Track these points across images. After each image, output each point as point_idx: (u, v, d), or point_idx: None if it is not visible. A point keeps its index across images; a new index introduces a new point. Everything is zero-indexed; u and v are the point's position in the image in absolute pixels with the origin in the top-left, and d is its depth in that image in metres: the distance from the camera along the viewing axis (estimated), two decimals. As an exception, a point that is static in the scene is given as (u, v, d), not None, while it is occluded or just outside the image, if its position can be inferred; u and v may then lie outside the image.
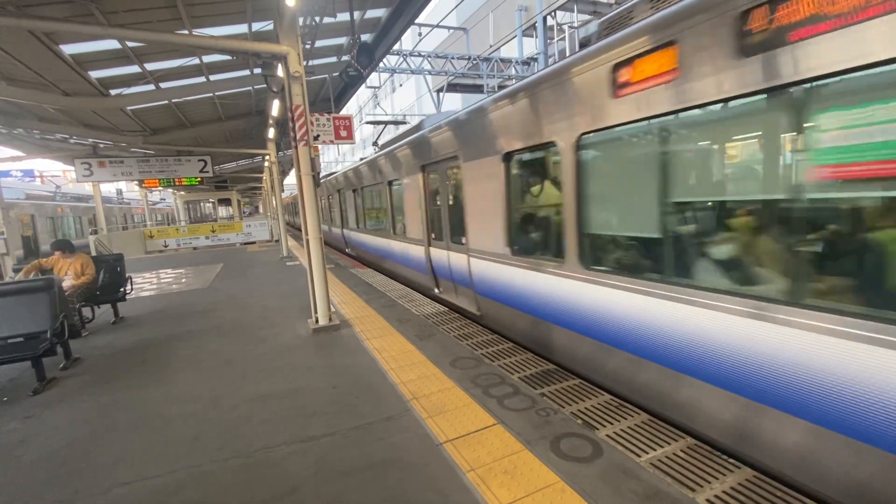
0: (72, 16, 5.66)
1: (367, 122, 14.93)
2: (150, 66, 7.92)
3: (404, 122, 15.77)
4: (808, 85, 2.05)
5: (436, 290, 7.03)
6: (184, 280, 10.69)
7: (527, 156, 4.49)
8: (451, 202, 6.19)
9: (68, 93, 8.26)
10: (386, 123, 13.59)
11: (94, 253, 13.13)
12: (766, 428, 2.35)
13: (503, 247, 4.76)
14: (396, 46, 11.77)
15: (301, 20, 6.10)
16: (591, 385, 3.69)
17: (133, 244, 18.27)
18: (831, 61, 1.91)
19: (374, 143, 12.45)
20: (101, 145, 13.14)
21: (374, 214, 10.61)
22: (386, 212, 9.28)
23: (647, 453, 2.67)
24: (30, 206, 18.91)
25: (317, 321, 5.57)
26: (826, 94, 2.03)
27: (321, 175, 15.43)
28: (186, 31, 6.52)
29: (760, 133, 2.43)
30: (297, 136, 5.26)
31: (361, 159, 11.80)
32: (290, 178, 38.67)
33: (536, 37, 15.63)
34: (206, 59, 7.96)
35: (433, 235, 6.86)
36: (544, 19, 14.81)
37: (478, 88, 18.04)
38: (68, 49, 6.80)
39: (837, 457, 2.04)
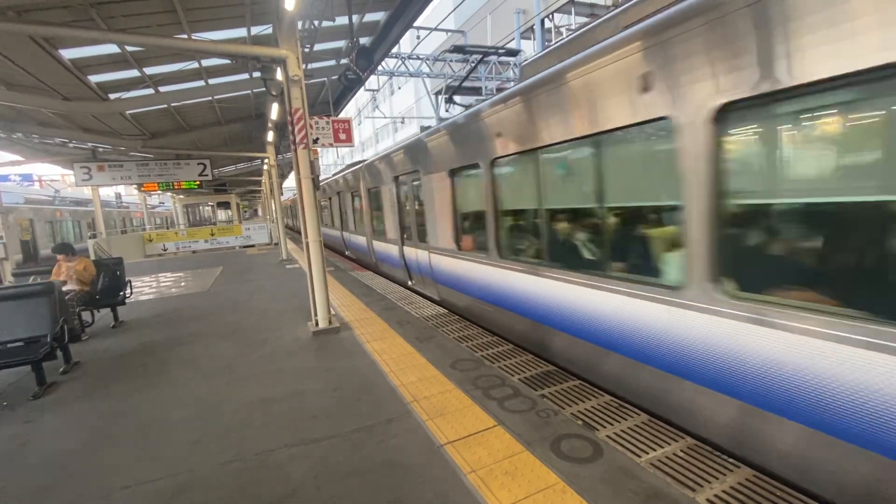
0: (71, 20, 5.69)
1: (453, 52, 8.14)
2: (149, 70, 7.95)
3: (510, 52, 9.55)
4: None
5: None
6: (183, 284, 10.68)
7: None
8: None
9: (68, 97, 8.28)
10: (486, 53, 8.16)
11: (93, 257, 13.13)
12: None
13: None
14: (395, 49, 11.78)
15: (300, 24, 6.13)
16: (592, 386, 3.70)
17: (132, 248, 18.26)
18: None
19: (449, 100, 7.41)
20: (101, 149, 13.15)
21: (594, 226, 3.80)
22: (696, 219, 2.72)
23: (648, 454, 2.67)
24: (29, 210, 18.89)
25: (317, 324, 5.57)
26: None
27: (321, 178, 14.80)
28: (185, 36, 6.55)
29: None
30: (297, 140, 5.28)
31: (463, 112, 5.60)
32: (289, 182, 38.69)
33: (535, 39, 15.69)
34: (206, 62, 7.99)
35: None
36: (542, 22, 14.87)
37: (476, 91, 18.08)
38: (68, 53, 6.83)
39: None
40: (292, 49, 5.21)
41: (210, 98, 10.10)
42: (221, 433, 3.19)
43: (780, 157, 2.40)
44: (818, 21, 2.00)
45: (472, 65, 8.01)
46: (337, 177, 14.28)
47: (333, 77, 9.79)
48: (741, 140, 2.53)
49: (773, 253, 2.51)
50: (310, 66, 9.11)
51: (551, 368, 4.08)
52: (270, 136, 12.68)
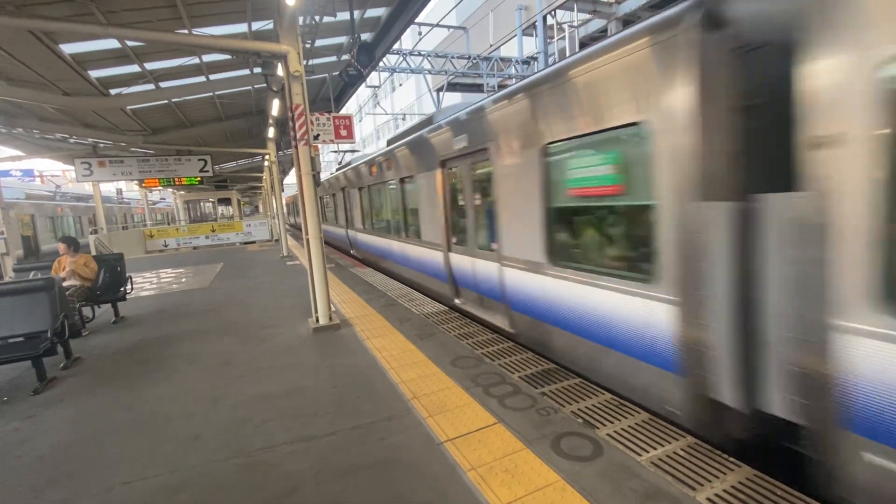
0: (72, 15, 5.65)
1: None
2: (149, 66, 7.92)
3: None
4: None
5: None
6: (184, 280, 10.68)
7: None
8: None
9: (68, 92, 8.26)
10: None
11: (94, 252, 13.13)
12: None
13: None
14: (396, 46, 11.72)
15: (301, 19, 6.10)
16: (592, 384, 3.69)
17: (133, 244, 18.27)
18: None
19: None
20: (101, 145, 13.13)
21: None
22: None
23: (648, 452, 2.67)
24: (30, 205, 18.89)
25: (317, 321, 5.57)
26: None
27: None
28: (186, 31, 6.51)
29: None
30: (298, 136, 5.26)
31: None
32: (290, 178, 38.64)
33: (536, 36, 15.60)
34: (206, 58, 7.96)
35: None
36: (544, 18, 14.78)
37: (478, 88, 18.01)
38: (68, 48, 6.80)
39: None
40: (293, 45, 5.18)
41: (211, 94, 10.05)
42: (221, 429, 3.19)
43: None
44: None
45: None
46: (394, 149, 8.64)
47: (334, 73, 9.72)
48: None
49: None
50: (311, 62, 9.06)
51: (551, 366, 4.08)
52: (271, 132, 12.64)
